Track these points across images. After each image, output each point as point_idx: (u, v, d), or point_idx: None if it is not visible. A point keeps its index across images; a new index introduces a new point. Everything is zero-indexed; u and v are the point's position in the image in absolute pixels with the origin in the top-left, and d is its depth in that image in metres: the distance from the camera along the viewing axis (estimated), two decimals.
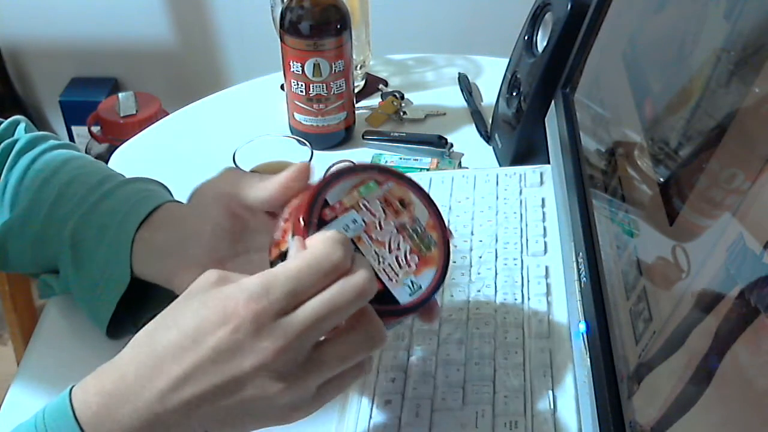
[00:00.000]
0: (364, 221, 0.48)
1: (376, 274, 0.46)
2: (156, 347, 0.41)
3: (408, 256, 0.48)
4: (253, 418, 0.42)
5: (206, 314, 0.40)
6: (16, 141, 0.64)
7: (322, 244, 0.42)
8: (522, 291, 0.64)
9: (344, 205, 0.48)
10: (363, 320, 0.43)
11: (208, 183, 0.58)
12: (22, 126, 0.67)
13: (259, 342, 0.39)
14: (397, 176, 0.51)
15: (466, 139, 0.91)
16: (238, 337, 0.39)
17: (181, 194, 0.63)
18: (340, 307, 0.41)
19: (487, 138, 0.91)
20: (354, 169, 0.49)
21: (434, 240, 0.50)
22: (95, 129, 1.76)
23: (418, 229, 0.50)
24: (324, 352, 0.42)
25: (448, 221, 0.72)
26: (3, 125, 0.66)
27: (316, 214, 0.46)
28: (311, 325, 0.40)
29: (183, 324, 0.40)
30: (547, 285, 0.64)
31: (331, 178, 0.48)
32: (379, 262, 0.47)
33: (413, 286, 0.48)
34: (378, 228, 0.48)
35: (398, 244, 0.48)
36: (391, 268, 0.47)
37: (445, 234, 0.51)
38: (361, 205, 0.48)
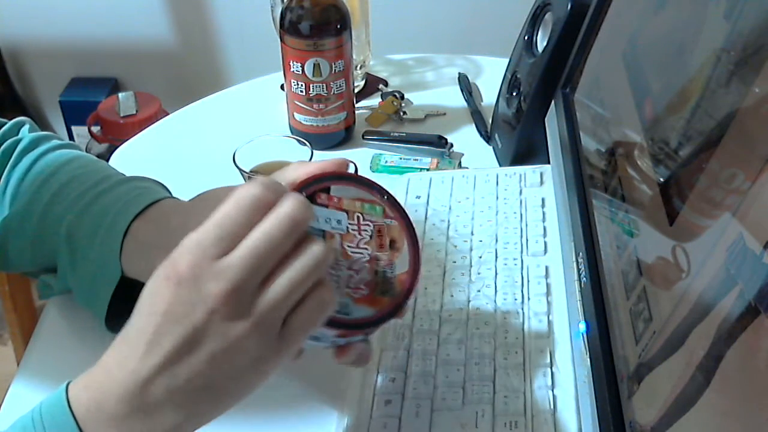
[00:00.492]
0: (347, 228, 0.47)
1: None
2: (128, 334, 0.41)
3: (360, 285, 0.47)
4: (230, 376, 0.41)
5: (154, 285, 0.41)
6: (19, 140, 0.65)
7: (244, 186, 0.42)
8: (522, 291, 0.64)
9: (340, 204, 0.47)
10: (300, 242, 0.42)
11: (220, 188, 0.57)
12: (26, 128, 0.67)
13: (204, 289, 0.39)
14: (406, 222, 0.49)
15: (466, 139, 0.91)
16: (182, 292, 0.39)
17: (181, 194, 0.63)
18: (274, 238, 0.41)
19: (487, 138, 0.91)
20: (372, 186, 0.48)
21: (394, 293, 0.48)
22: (95, 129, 1.76)
23: (387, 274, 0.48)
24: (272, 282, 0.41)
25: (448, 221, 0.72)
26: (7, 126, 0.66)
27: (310, 189, 0.46)
28: (250, 261, 0.40)
29: (142, 304, 0.41)
30: (547, 285, 0.64)
31: (347, 176, 0.48)
32: (333, 268, 0.46)
33: (343, 309, 0.46)
34: (354, 244, 0.47)
35: (360, 270, 0.47)
36: (338, 280, 0.46)
37: (405, 297, 0.49)
38: (355, 217, 0.47)
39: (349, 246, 0.47)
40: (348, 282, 0.47)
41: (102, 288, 0.58)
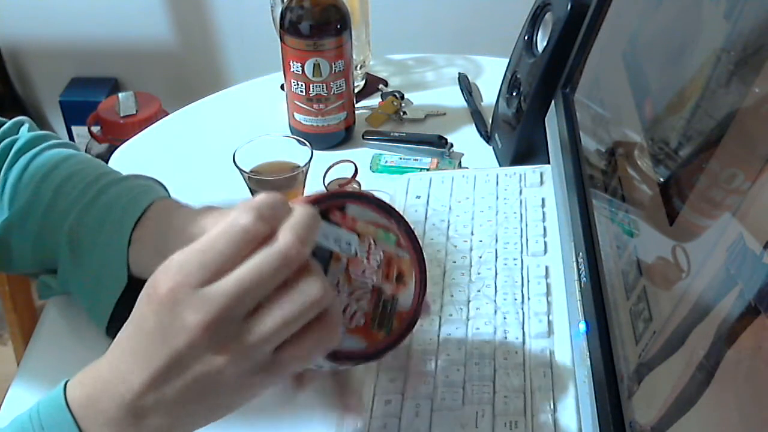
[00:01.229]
0: (356, 252, 0.45)
1: None
2: (120, 344, 0.41)
3: (357, 314, 0.45)
4: (217, 395, 0.41)
5: (140, 303, 0.40)
6: (16, 140, 0.65)
7: (234, 211, 0.40)
8: (522, 291, 0.64)
9: (354, 225, 0.45)
10: (299, 276, 0.40)
11: (226, 209, 0.56)
12: (25, 127, 0.67)
13: (184, 318, 0.38)
14: (419, 256, 0.47)
15: (466, 139, 0.91)
16: (161, 316, 0.39)
17: (181, 194, 0.63)
18: (263, 274, 0.39)
19: (487, 138, 0.91)
20: (390, 212, 0.47)
21: (390, 330, 0.46)
22: (95, 129, 1.76)
23: (388, 308, 0.46)
24: (260, 316, 0.39)
25: (448, 221, 0.72)
26: (6, 125, 0.66)
27: (325, 204, 0.44)
28: (235, 295, 0.38)
29: (133, 316, 0.41)
30: (547, 285, 0.64)
31: (366, 197, 0.46)
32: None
33: None
34: (361, 271, 0.45)
35: (361, 298, 0.45)
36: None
37: (401, 336, 0.47)
38: (366, 241, 0.45)
39: (354, 271, 0.45)
40: (346, 310, 0.45)
41: (107, 291, 0.58)
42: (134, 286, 0.58)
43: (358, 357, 0.46)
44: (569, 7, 0.74)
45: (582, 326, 0.55)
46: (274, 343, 0.40)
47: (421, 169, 0.85)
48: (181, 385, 0.40)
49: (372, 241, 0.46)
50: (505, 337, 0.60)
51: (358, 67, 0.99)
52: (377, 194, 0.48)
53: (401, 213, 0.47)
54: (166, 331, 0.39)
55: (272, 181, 0.73)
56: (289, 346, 0.40)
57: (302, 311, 0.39)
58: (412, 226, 0.48)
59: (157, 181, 0.65)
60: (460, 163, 0.87)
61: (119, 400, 0.40)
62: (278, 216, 0.40)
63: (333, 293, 0.40)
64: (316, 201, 0.44)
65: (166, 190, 0.65)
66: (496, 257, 0.67)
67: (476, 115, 0.94)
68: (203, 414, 0.42)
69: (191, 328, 0.38)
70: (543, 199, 0.73)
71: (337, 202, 0.45)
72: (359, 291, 0.45)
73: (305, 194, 0.46)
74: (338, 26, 0.82)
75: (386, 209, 0.47)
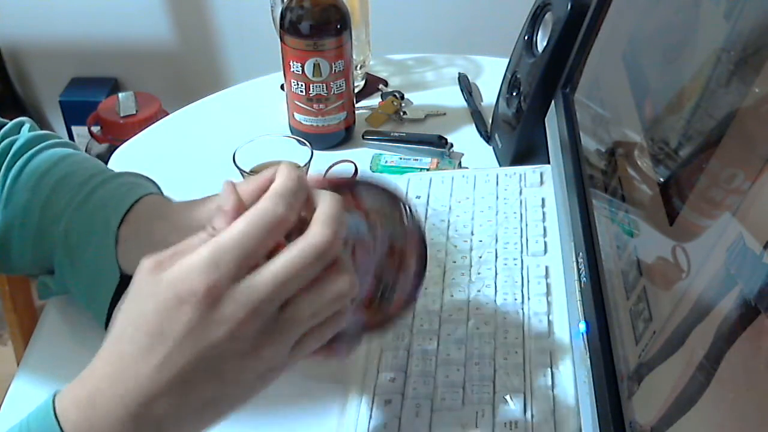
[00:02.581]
0: (364, 237, 0.45)
1: None
2: (124, 352, 0.40)
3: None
4: (236, 389, 0.41)
5: (161, 305, 0.39)
6: (16, 140, 0.65)
7: (264, 200, 0.41)
8: (522, 291, 0.64)
9: (364, 208, 0.45)
10: (329, 271, 0.41)
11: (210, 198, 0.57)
12: (26, 127, 0.67)
13: (223, 313, 0.38)
14: (421, 242, 0.48)
15: (466, 139, 0.91)
16: (200, 314, 0.38)
17: (182, 194, 0.63)
18: (300, 270, 0.40)
19: (487, 138, 0.91)
20: (395, 198, 0.47)
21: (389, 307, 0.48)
22: (95, 129, 1.76)
23: (386, 293, 0.47)
24: (293, 310, 0.41)
25: (448, 221, 0.72)
26: (7, 126, 0.66)
27: (343, 188, 0.44)
28: (273, 289, 0.39)
29: (142, 321, 0.40)
30: (547, 285, 0.64)
31: (378, 184, 0.46)
32: None
33: None
34: (366, 254, 0.45)
35: (361, 283, 0.45)
36: None
37: (398, 313, 0.49)
38: (373, 225, 0.45)
39: (360, 254, 0.46)
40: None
41: (102, 289, 0.58)
42: (127, 282, 0.58)
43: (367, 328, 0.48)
44: (569, 7, 0.74)
45: (582, 326, 0.55)
46: (304, 331, 0.42)
47: (421, 169, 0.85)
48: (205, 382, 0.40)
49: (379, 226, 0.47)
50: (505, 337, 0.60)
51: (358, 67, 0.99)
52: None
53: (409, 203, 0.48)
54: (203, 328, 0.39)
55: None
56: (310, 336, 0.42)
57: (333, 304, 0.41)
58: (418, 215, 0.48)
59: (147, 178, 0.65)
60: (460, 163, 0.87)
61: (124, 414, 0.39)
62: (301, 200, 0.42)
63: (358, 288, 0.42)
64: (337, 186, 0.45)
65: (157, 186, 0.65)
66: (496, 257, 0.67)
67: (476, 115, 0.94)
68: (218, 412, 0.42)
69: (230, 322, 0.39)
70: (543, 199, 0.73)
71: (350, 184, 0.46)
72: (361, 273, 0.46)
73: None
74: (338, 26, 0.82)
75: (393, 197, 0.47)
